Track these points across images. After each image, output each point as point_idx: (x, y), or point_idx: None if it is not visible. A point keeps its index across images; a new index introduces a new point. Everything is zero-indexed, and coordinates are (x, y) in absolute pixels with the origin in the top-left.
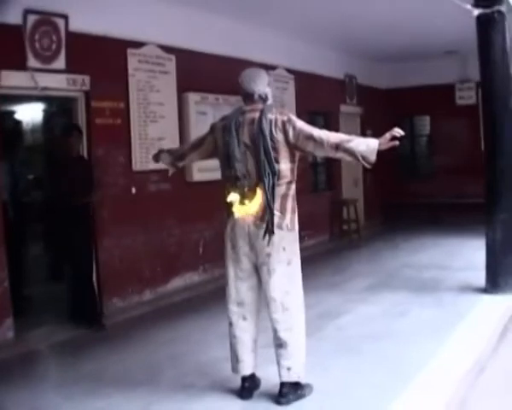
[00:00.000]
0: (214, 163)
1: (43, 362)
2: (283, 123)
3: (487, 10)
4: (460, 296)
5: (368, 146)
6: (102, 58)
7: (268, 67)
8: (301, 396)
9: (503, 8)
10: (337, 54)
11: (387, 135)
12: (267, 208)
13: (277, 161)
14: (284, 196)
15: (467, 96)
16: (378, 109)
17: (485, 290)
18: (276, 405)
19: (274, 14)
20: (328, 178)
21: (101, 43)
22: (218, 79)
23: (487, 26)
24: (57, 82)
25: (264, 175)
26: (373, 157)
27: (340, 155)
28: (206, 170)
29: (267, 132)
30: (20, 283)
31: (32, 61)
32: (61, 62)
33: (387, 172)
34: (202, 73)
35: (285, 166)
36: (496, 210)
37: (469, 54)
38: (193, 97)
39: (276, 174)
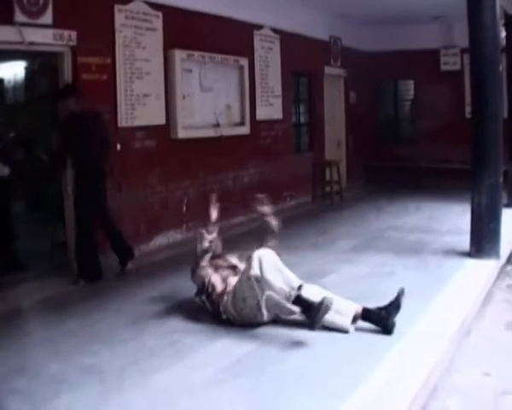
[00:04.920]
0: (199, 121)
1: (27, 319)
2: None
3: None
4: (445, 260)
5: None
6: (89, 13)
7: (254, 27)
8: None
9: None
10: (322, 15)
11: None
12: None
13: None
14: None
15: (451, 62)
16: (362, 72)
17: (469, 254)
18: None
19: None
20: (311, 140)
21: None
22: (204, 37)
23: None
24: (44, 37)
25: None
26: None
27: None
28: (191, 127)
29: None
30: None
31: (19, 16)
32: (48, 17)
33: (370, 135)
34: (189, 30)
35: None
36: (482, 175)
37: (455, 20)
38: (179, 54)
39: None
